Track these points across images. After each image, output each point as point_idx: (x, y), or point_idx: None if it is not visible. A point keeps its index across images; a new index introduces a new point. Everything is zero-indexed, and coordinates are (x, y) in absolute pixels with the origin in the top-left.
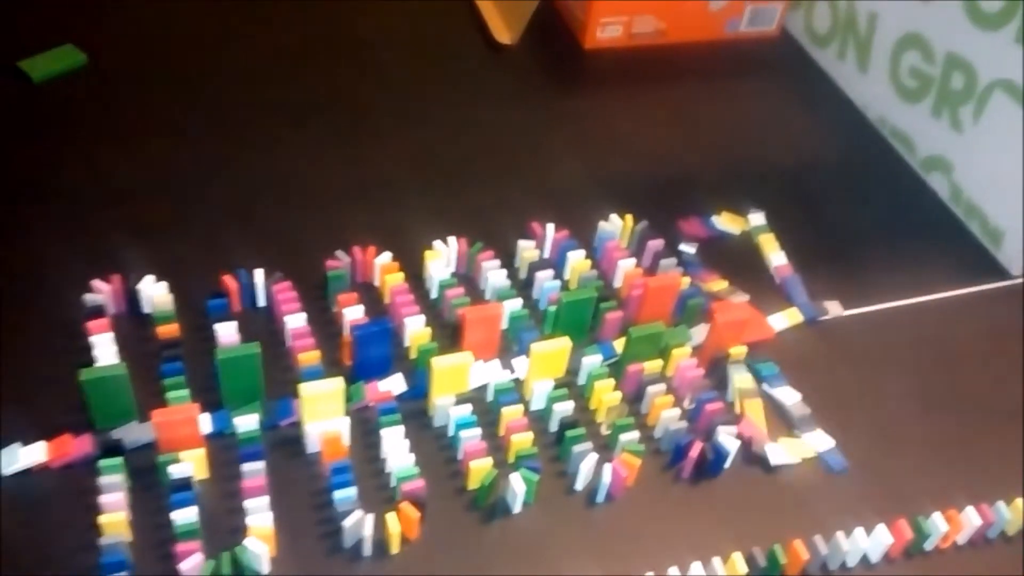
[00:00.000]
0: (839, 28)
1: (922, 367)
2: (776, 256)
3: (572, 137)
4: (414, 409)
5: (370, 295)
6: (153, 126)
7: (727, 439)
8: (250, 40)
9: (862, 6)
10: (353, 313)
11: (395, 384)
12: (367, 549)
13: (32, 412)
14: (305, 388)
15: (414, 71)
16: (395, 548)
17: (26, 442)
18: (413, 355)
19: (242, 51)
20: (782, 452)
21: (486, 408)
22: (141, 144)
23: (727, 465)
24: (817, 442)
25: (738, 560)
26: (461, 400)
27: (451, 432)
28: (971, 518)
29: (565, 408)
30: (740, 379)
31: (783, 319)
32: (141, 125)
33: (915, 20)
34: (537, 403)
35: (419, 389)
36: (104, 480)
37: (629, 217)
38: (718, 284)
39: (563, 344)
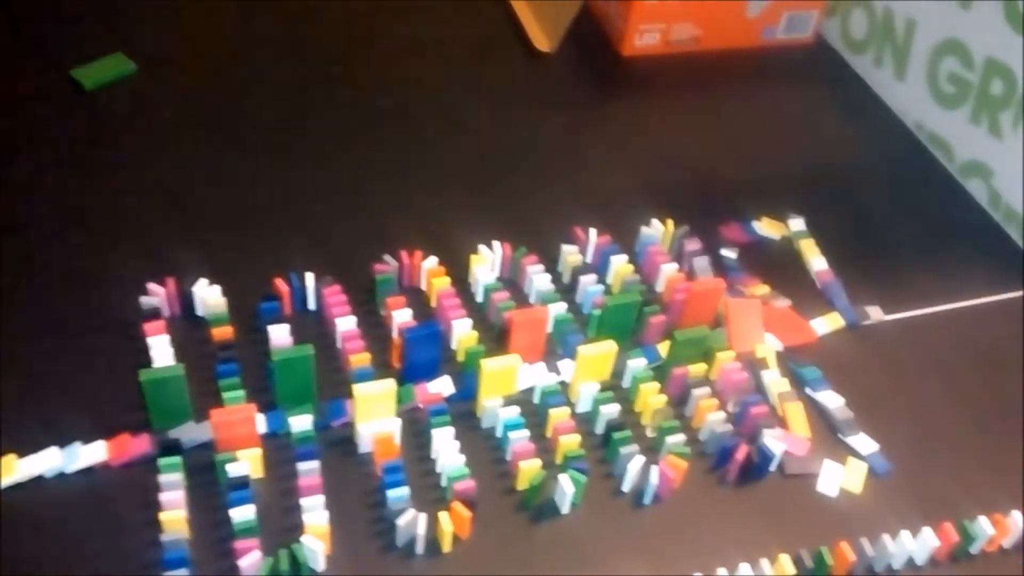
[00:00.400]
0: (876, 34)
1: (963, 371)
2: (817, 261)
3: (611, 143)
4: (462, 410)
5: (417, 299)
6: (202, 133)
7: (772, 442)
8: (296, 48)
9: (900, 13)
10: (402, 316)
11: (443, 386)
12: (420, 547)
13: (91, 412)
14: (359, 389)
15: (456, 78)
16: (447, 547)
17: (86, 441)
18: (460, 357)
19: (288, 59)
20: (833, 480)
21: (533, 410)
22: (191, 151)
23: (772, 468)
24: (861, 445)
25: (785, 561)
26: (508, 402)
27: (499, 433)
28: (1017, 522)
29: (611, 410)
30: (775, 383)
31: (825, 323)
32: (190, 132)
33: (954, 26)
34: (583, 405)
35: (467, 391)
36: (164, 478)
37: (670, 222)
38: (760, 289)
39: (609, 347)
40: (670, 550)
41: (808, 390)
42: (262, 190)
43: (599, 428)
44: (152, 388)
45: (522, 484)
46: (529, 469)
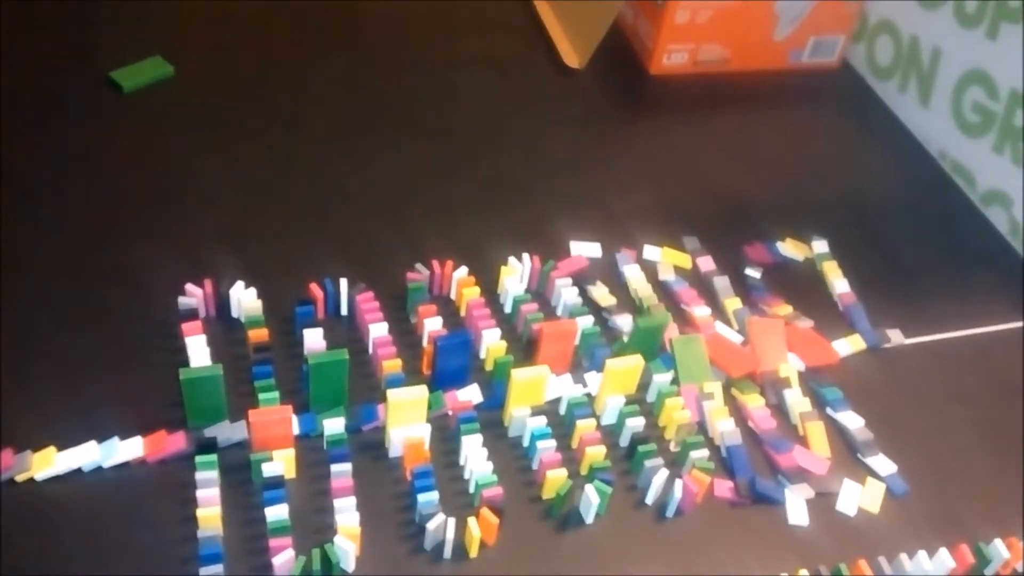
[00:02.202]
0: (901, 61)
1: (981, 396)
2: (839, 283)
3: (638, 160)
4: (488, 419)
5: (446, 308)
6: (239, 137)
7: (766, 485)
8: (332, 58)
9: (926, 41)
10: (432, 324)
11: (472, 394)
12: (447, 552)
13: (129, 408)
14: (392, 394)
15: (487, 93)
16: (474, 552)
17: (124, 437)
18: (488, 367)
19: (324, 69)
20: (853, 498)
21: (559, 420)
22: (228, 154)
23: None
24: (879, 466)
25: None
26: (536, 412)
27: (526, 442)
28: None
29: (637, 424)
30: (797, 402)
31: (846, 345)
32: (227, 136)
33: (980, 57)
34: (609, 418)
35: (494, 400)
36: (200, 475)
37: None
38: (783, 309)
39: (636, 362)
40: (691, 563)
41: (829, 410)
42: (297, 196)
43: (624, 441)
44: (191, 387)
45: (548, 493)
46: (556, 479)
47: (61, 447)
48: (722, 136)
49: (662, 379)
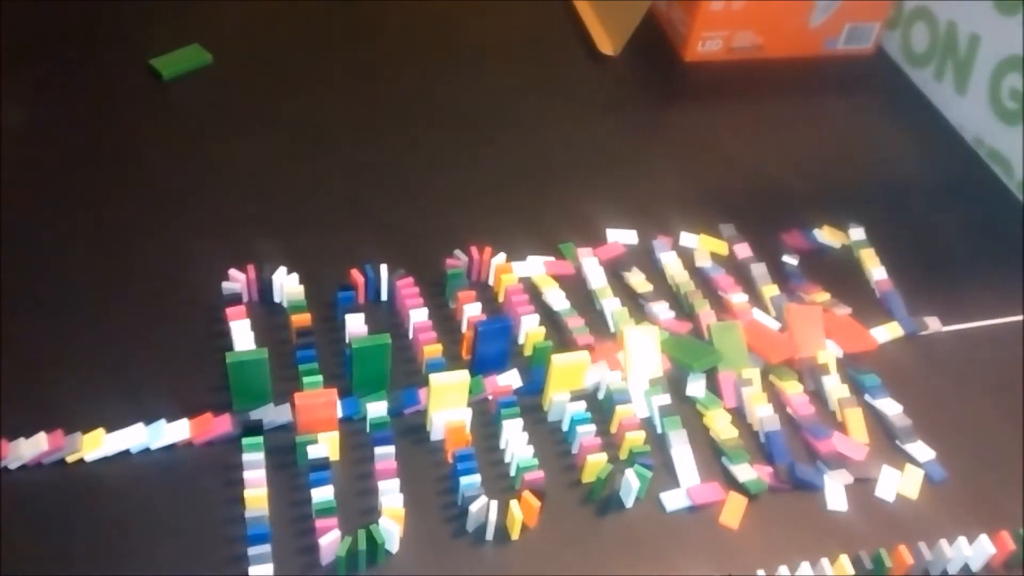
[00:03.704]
0: (938, 48)
1: (1019, 384)
2: (877, 271)
3: (672, 147)
4: (527, 404)
5: (484, 294)
6: (277, 124)
7: (805, 470)
8: (368, 46)
9: (964, 27)
10: (472, 310)
11: (512, 379)
12: (489, 534)
13: (175, 391)
14: (435, 378)
15: (521, 79)
16: (515, 535)
17: (170, 419)
18: (527, 352)
19: (360, 55)
20: (892, 484)
21: (598, 406)
22: (266, 141)
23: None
24: (918, 453)
25: (845, 562)
26: (575, 398)
27: (565, 427)
28: None
29: (663, 400)
30: (835, 388)
31: (884, 332)
32: (265, 123)
33: (1019, 43)
34: (640, 408)
35: (533, 385)
36: (247, 457)
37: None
38: (820, 296)
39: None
40: (732, 548)
41: (867, 397)
42: (337, 183)
43: (659, 426)
44: (237, 370)
45: (588, 477)
46: (596, 463)
47: (110, 429)
48: (757, 123)
49: (699, 381)
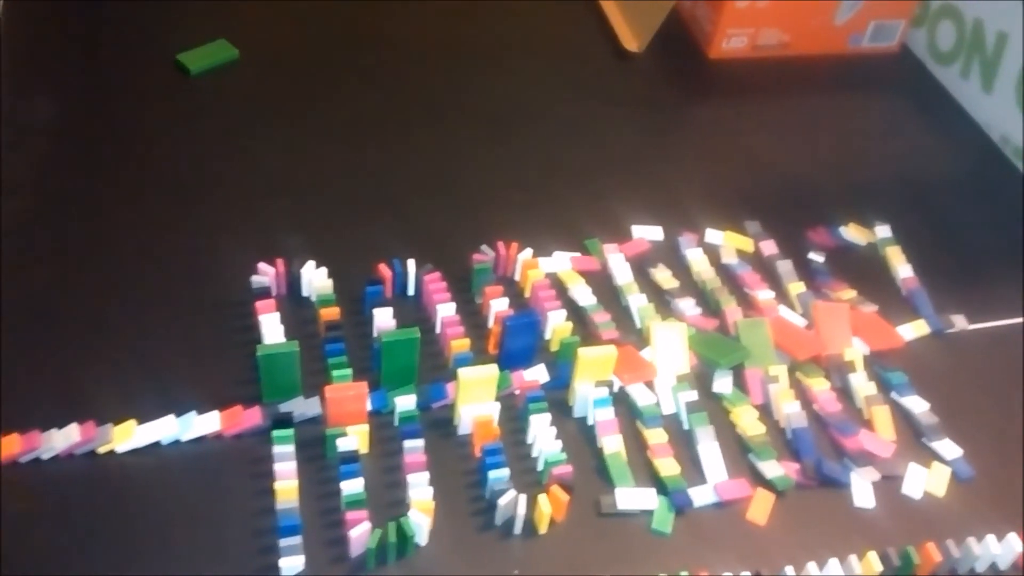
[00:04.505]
0: (964, 46)
1: None
2: (903, 268)
3: (697, 144)
4: (554, 399)
5: (510, 289)
6: (304, 119)
7: (832, 467)
8: (394, 42)
9: (991, 25)
10: (499, 305)
11: (538, 373)
12: (518, 528)
13: (205, 384)
14: (463, 373)
15: (546, 76)
16: (543, 528)
17: (201, 411)
18: (554, 347)
19: (386, 53)
20: (919, 481)
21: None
22: (293, 136)
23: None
24: (945, 450)
25: (873, 559)
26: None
27: (591, 421)
28: None
29: (690, 396)
30: (862, 386)
31: (910, 330)
32: (292, 118)
33: None
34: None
35: (560, 380)
36: (277, 449)
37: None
38: (847, 293)
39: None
40: (759, 544)
41: (894, 394)
42: (364, 179)
43: (685, 422)
44: (267, 363)
45: (608, 451)
46: (612, 443)
47: (141, 421)
48: (781, 120)
49: (725, 379)
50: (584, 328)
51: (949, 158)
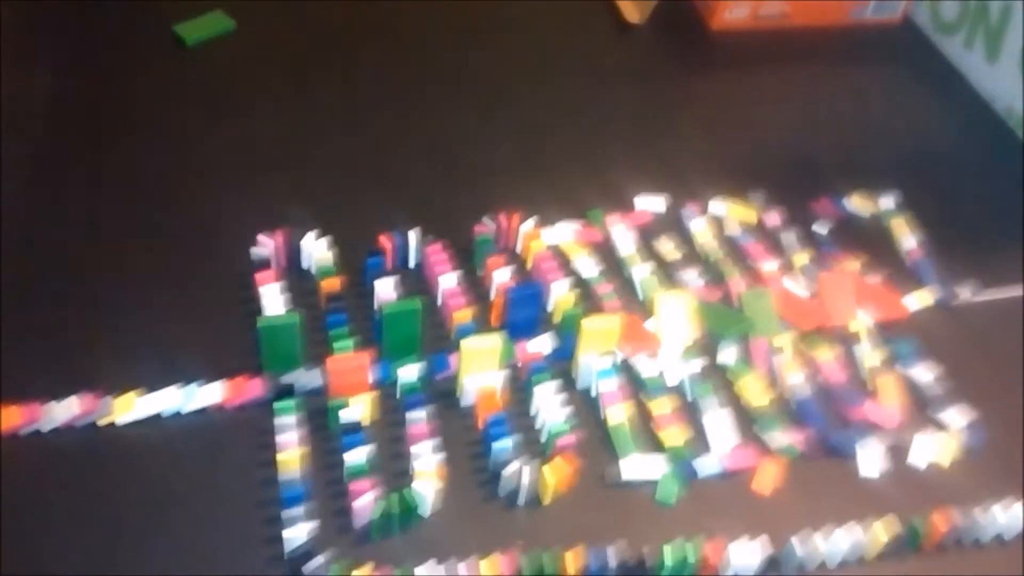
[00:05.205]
0: (968, 17)
1: None
2: (907, 239)
3: (699, 116)
4: (558, 370)
5: (513, 261)
6: (302, 90)
7: (842, 435)
8: (394, 14)
9: None
10: (501, 276)
11: (541, 344)
12: (522, 499)
13: (206, 355)
14: (466, 343)
15: (547, 49)
16: (548, 499)
17: (202, 383)
18: (557, 319)
19: (385, 21)
20: (924, 451)
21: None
22: (291, 107)
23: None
24: (951, 420)
25: (879, 528)
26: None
27: (595, 392)
28: None
29: (695, 367)
30: (868, 356)
31: (916, 300)
32: (290, 89)
33: None
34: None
35: (564, 352)
36: (280, 420)
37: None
38: (851, 264)
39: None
40: (765, 514)
41: (900, 364)
42: (364, 150)
43: (690, 393)
44: (268, 334)
45: (612, 422)
46: (616, 413)
47: (142, 393)
48: (784, 91)
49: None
50: (588, 299)
51: (953, 129)
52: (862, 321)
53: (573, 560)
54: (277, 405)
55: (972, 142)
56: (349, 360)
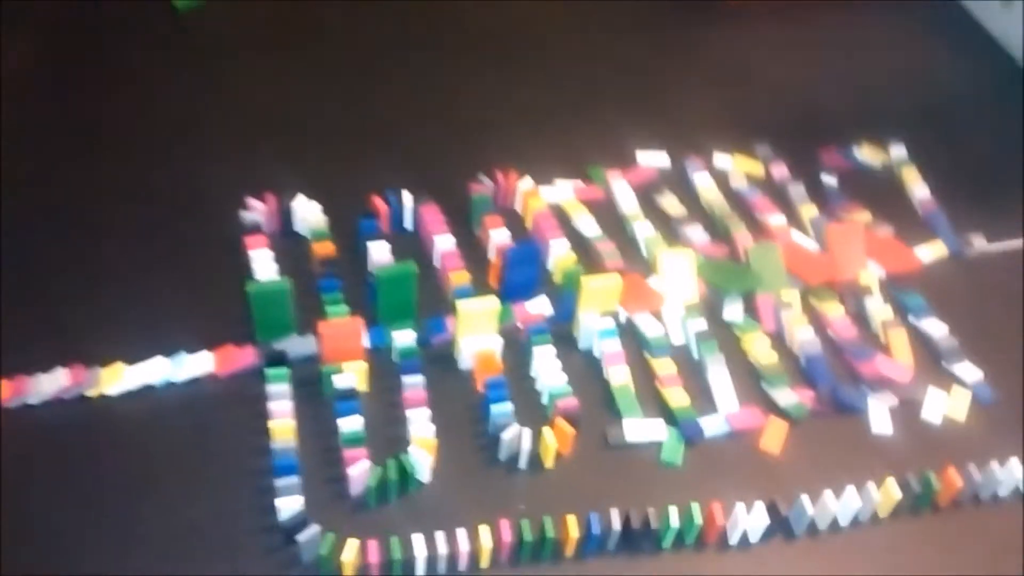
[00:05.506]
0: None
1: None
2: (919, 189)
3: (704, 67)
4: (558, 332)
5: (512, 220)
6: (295, 51)
7: (849, 391)
8: None
9: None
10: (499, 236)
11: (541, 305)
12: (523, 462)
13: (196, 324)
14: (462, 304)
15: (548, 2)
16: (549, 463)
17: (192, 351)
18: (557, 279)
19: None
20: (938, 406)
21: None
22: (283, 70)
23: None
24: (965, 374)
25: (892, 486)
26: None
27: (597, 353)
28: None
29: (699, 325)
30: (878, 310)
31: (928, 251)
32: (282, 50)
33: None
34: (676, 333)
35: (564, 313)
36: (272, 388)
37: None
38: (861, 216)
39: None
40: (774, 474)
41: (911, 318)
42: (356, 109)
43: (695, 352)
44: (259, 300)
45: (615, 383)
46: (618, 374)
47: (131, 362)
48: (791, 40)
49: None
50: (588, 258)
51: (966, 75)
52: (872, 274)
53: (575, 523)
54: (269, 372)
55: (986, 87)
56: (342, 325)
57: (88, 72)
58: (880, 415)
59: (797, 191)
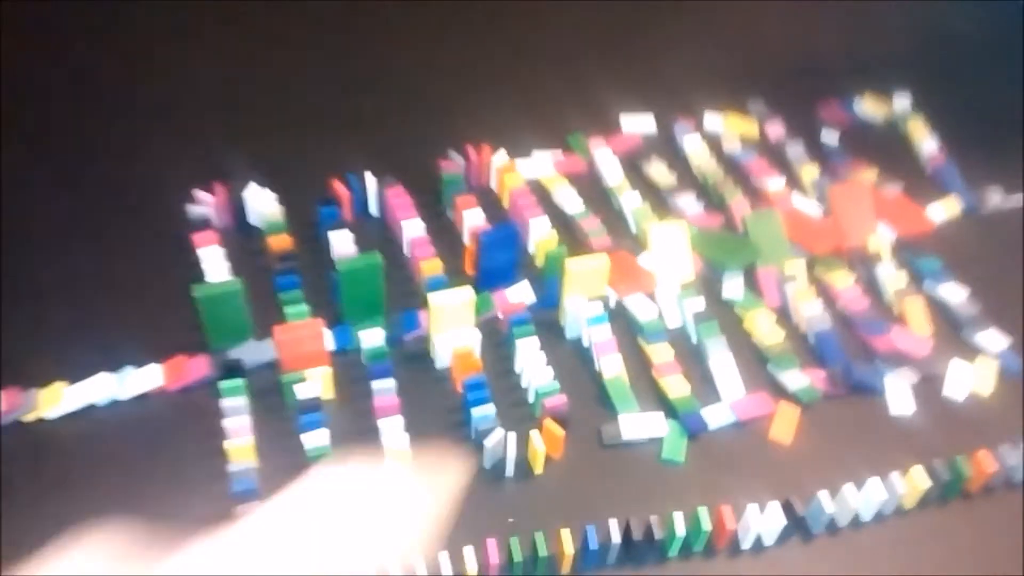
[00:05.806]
0: None
1: None
2: (927, 143)
3: (689, 17)
4: (542, 321)
5: (487, 199)
6: (239, 27)
7: (866, 370)
8: None
9: None
10: (473, 218)
11: (523, 292)
12: (510, 470)
13: (142, 333)
14: (434, 298)
15: None
16: (539, 468)
17: (139, 365)
18: (539, 262)
19: None
20: (961, 381)
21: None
22: (228, 47)
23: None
24: (989, 342)
25: (918, 474)
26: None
27: (586, 342)
28: None
29: (697, 305)
30: (891, 277)
31: (941, 210)
32: (227, 28)
33: None
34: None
35: (549, 299)
36: (227, 403)
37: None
38: (867, 174)
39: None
40: (787, 467)
41: (927, 284)
42: (309, 85)
43: (696, 336)
44: (208, 304)
45: (608, 374)
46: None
47: (72, 381)
48: None
49: (734, 286)
50: (572, 237)
51: (973, 17)
52: (882, 238)
53: (569, 538)
54: (223, 385)
55: (995, 30)
56: (301, 328)
57: (15, 53)
58: (899, 394)
59: (796, 151)
